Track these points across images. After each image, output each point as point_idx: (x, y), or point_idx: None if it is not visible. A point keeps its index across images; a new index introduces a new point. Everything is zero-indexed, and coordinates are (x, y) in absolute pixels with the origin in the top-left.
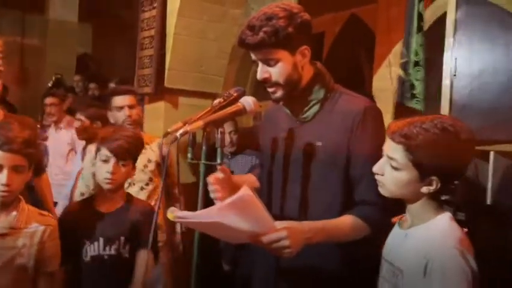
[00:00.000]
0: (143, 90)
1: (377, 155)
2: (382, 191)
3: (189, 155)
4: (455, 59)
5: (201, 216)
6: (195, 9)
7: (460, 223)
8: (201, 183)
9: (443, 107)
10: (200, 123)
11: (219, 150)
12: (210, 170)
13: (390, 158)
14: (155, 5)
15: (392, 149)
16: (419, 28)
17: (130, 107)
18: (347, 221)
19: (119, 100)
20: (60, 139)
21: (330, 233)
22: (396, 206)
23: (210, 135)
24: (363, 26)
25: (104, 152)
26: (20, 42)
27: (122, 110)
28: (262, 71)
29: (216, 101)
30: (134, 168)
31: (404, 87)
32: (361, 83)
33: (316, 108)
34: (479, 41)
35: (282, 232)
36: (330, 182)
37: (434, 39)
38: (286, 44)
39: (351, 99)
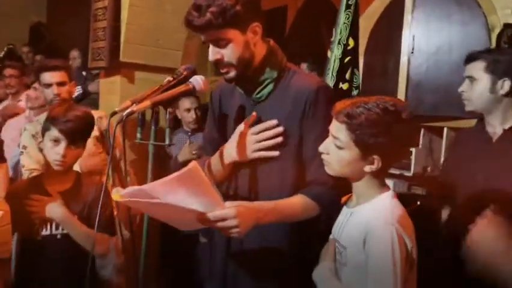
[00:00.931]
0: (98, 64)
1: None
2: (328, 170)
3: (138, 135)
4: (413, 36)
5: (145, 190)
6: None
7: (414, 197)
8: (149, 164)
9: (400, 84)
10: (148, 103)
11: (167, 130)
12: (159, 150)
13: (335, 137)
14: None
15: (336, 129)
16: (347, 6)
17: (60, 84)
18: (298, 201)
19: (47, 76)
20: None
21: (282, 213)
22: (347, 187)
23: (158, 115)
24: (326, 0)
25: (55, 132)
26: None
27: (50, 88)
28: (213, 53)
29: (166, 80)
30: (84, 148)
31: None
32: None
33: (270, 87)
34: (436, 19)
35: (230, 210)
36: (282, 162)
37: (394, 16)
38: (236, 23)
39: (304, 78)
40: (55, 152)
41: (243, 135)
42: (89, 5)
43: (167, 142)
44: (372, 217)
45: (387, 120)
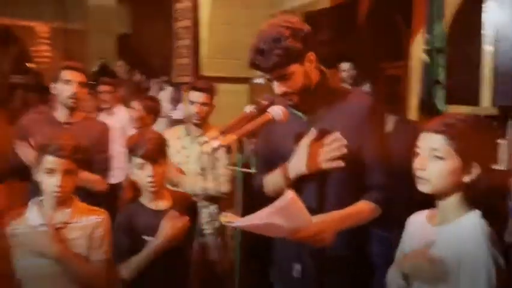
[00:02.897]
0: (183, 79)
1: (382, 145)
2: (423, 187)
3: (226, 162)
4: (497, 23)
5: (253, 220)
6: None
7: None
8: (238, 189)
9: (486, 75)
10: (234, 137)
11: (252, 160)
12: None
13: (433, 149)
14: None
15: (434, 140)
16: (440, 15)
17: (203, 104)
18: (363, 206)
19: (194, 95)
20: (113, 125)
21: (353, 219)
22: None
23: (243, 144)
24: None
25: (138, 160)
26: (63, 27)
27: (193, 105)
28: (278, 87)
29: (248, 110)
30: (166, 162)
31: (428, 73)
32: (399, 51)
33: (324, 107)
34: None
35: (319, 226)
36: (340, 175)
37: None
38: (297, 59)
39: (357, 96)
40: (145, 175)
41: (310, 149)
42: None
43: (252, 170)
44: (465, 239)
45: (483, 127)
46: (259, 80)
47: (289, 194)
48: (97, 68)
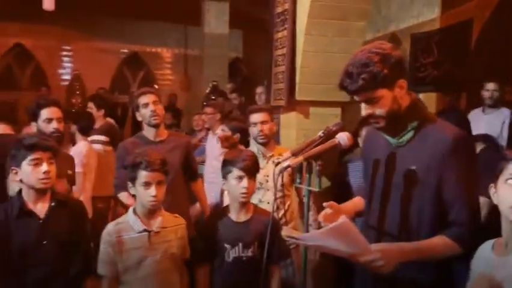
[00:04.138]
0: (278, 103)
1: (468, 181)
2: None
3: (298, 180)
4: None
5: (306, 238)
6: (321, 26)
7: None
8: (305, 206)
9: None
10: (301, 159)
11: (317, 180)
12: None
13: None
14: (286, 25)
15: None
16: None
17: (263, 122)
18: (438, 241)
19: (253, 117)
20: (214, 144)
21: (423, 253)
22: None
23: (311, 165)
24: None
25: (237, 172)
26: (184, 53)
27: (256, 126)
28: (366, 109)
29: (318, 135)
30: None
31: None
32: None
33: (410, 134)
34: None
35: (376, 254)
36: (422, 203)
37: None
38: (385, 84)
39: (443, 129)
40: (241, 186)
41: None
42: None
43: (317, 189)
44: None
45: None
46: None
47: (343, 219)
48: (209, 89)
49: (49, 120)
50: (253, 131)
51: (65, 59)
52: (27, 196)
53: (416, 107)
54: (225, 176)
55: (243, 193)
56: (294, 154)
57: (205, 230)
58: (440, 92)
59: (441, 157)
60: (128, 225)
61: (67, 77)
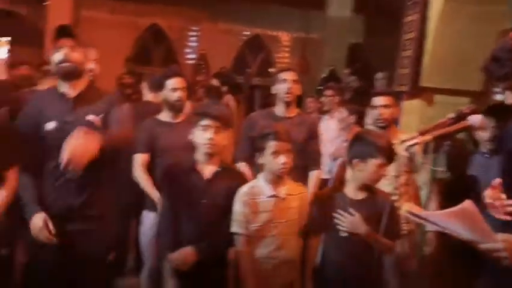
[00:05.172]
0: (401, 88)
1: None
2: None
3: (420, 160)
4: None
5: (427, 217)
6: (455, 11)
7: None
8: (427, 187)
9: None
10: (429, 137)
11: (443, 158)
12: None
13: None
14: (417, 9)
15: None
16: None
17: (385, 106)
18: None
19: (375, 100)
20: (330, 126)
21: None
22: None
23: (439, 145)
24: None
25: (380, 160)
26: (304, 37)
27: (376, 109)
28: (510, 98)
29: (447, 117)
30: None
31: None
32: None
33: None
34: None
35: (500, 244)
36: None
37: None
38: None
39: None
40: (372, 165)
41: None
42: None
43: (440, 168)
44: None
45: None
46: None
47: (467, 203)
48: (326, 74)
49: (174, 89)
50: (374, 114)
51: (193, 38)
52: (199, 157)
53: None
54: (365, 158)
55: (378, 175)
56: (422, 134)
57: (321, 204)
58: None
59: None
60: (259, 190)
61: (193, 55)
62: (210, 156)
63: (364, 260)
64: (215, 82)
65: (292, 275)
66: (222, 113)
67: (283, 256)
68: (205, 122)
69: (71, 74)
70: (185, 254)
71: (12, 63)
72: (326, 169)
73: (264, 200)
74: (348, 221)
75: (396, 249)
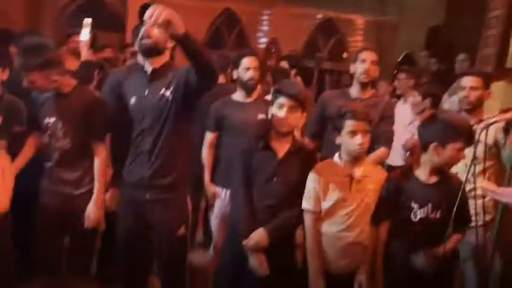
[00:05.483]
0: (484, 69)
1: None
2: None
3: (501, 138)
4: None
5: (505, 193)
6: None
7: None
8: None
9: None
10: (509, 115)
11: None
12: None
13: None
14: None
15: None
16: None
17: (473, 88)
18: None
19: (464, 80)
20: (403, 111)
21: None
22: None
23: None
24: None
25: (459, 144)
26: (379, 20)
27: (464, 90)
28: None
29: None
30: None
31: None
32: None
33: None
34: None
35: None
36: None
37: None
38: None
39: None
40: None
41: None
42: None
43: None
44: None
45: None
46: None
47: None
48: (401, 58)
49: (247, 68)
50: (460, 95)
51: (264, 23)
52: (273, 135)
53: None
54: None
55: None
56: (504, 111)
57: (390, 188)
58: None
59: None
60: (333, 168)
61: (264, 39)
62: (284, 134)
63: (435, 245)
64: (284, 64)
65: (359, 258)
66: (298, 92)
67: (353, 237)
68: (280, 100)
69: (150, 50)
70: (259, 236)
71: (96, 46)
72: (397, 156)
73: (337, 179)
74: None
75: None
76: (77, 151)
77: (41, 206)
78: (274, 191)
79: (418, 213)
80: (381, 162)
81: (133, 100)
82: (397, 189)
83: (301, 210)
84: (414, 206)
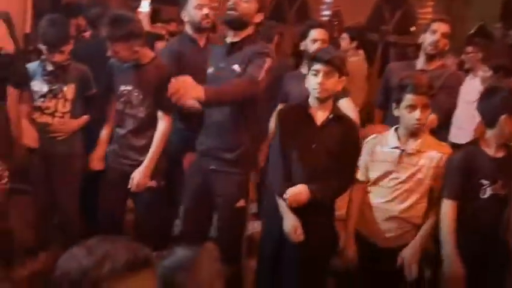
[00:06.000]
0: None
1: None
2: None
3: None
4: None
5: None
6: None
7: None
8: None
9: None
10: None
11: None
12: None
13: None
14: None
15: None
16: None
17: None
18: None
19: None
20: (471, 86)
21: None
22: None
23: None
24: None
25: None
26: None
27: None
28: None
29: None
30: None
31: None
32: None
33: None
34: None
35: None
36: None
37: None
38: None
39: None
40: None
41: None
42: None
43: None
44: None
45: None
46: None
47: None
48: (474, 30)
49: (314, 40)
50: None
51: None
52: (311, 103)
53: None
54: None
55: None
56: None
57: (459, 165)
58: None
59: None
60: (385, 140)
61: (327, 12)
62: (321, 101)
63: (498, 223)
64: (344, 36)
65: (407, 234)
66: (333, 57)
67: (398, 211)
68: (315, 66)
69: (234, 22)
70: (299, 190)
71: (163, 19)
72: (465, 134)
73: (387, 150)
74: None
75: None
76: (149, 119)
77: (108, 168)
78: (313, 157)
79: (488, 190)
80: None
81: (210, 70)
82: (466, 166)
83: (344, 180)
84: (485, 182)
